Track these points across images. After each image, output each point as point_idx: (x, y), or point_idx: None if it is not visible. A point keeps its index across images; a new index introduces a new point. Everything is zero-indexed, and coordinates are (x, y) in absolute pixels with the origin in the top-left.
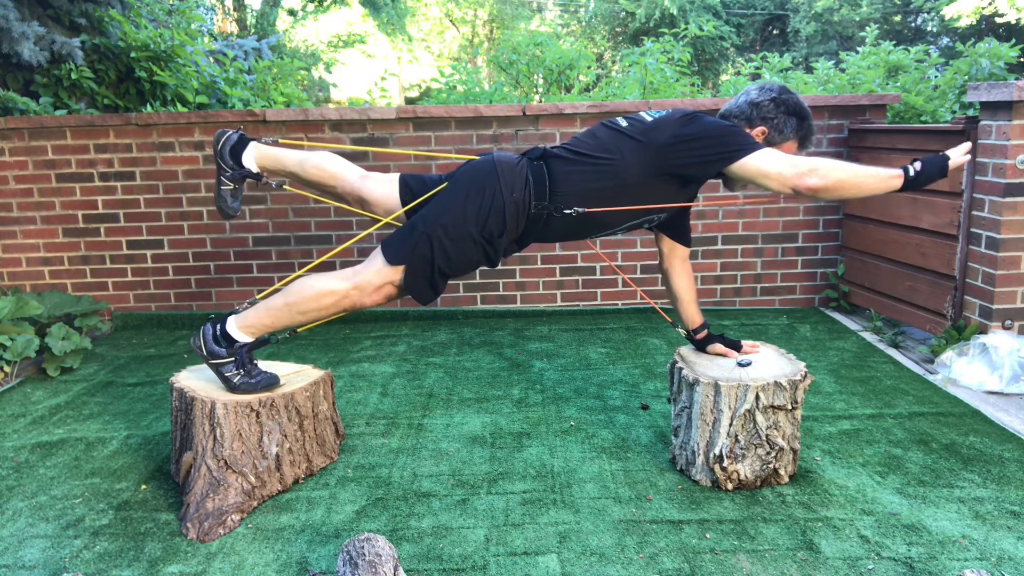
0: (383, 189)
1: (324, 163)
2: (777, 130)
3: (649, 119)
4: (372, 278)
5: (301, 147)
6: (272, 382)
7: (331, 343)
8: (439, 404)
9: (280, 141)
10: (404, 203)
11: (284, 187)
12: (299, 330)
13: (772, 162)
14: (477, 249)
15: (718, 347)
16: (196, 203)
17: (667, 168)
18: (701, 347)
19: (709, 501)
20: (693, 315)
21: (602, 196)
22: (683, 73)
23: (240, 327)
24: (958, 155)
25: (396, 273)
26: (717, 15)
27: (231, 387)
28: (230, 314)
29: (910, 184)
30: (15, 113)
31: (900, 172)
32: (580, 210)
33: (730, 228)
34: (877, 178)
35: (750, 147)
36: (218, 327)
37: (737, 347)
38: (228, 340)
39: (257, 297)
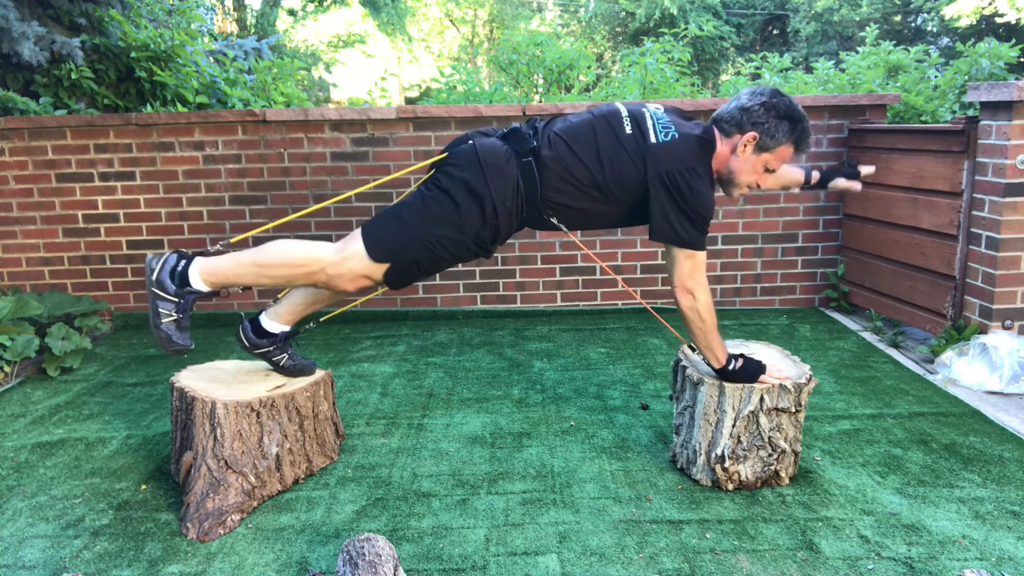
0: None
1: (281, 255)
2: (768, 135)
3: (652, 139)
4: (354, 266)
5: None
6: (184, 347)
7: (331, 343)
8: (439, 404)
9: (231, 242)
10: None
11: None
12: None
13: (687, 264)
14: (469, 254)
15: None
16: (196, 203)
17: (643, 194)
18: None
19: (709, 501)
20: None
21: (589, 212)
22: (683, 73)
23: (201, 271)
24: (769, 378)
25: (379, 270)
26: (717, 15)
27: (155, 323)
28: (199, 254)
29: (721, 372)
30: (15, 113)
31: (728, 358)
32: (565, 229)
33: (730, 228)
34: (715, 343)
35: (696, 244)
36: (181, 263)
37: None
38: (183, 281)
39: (231, 241)
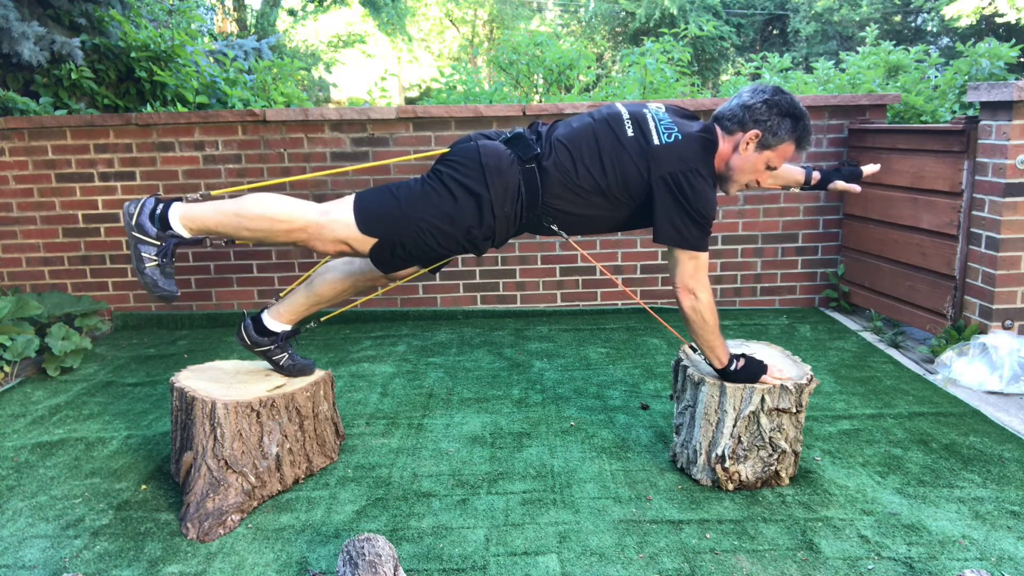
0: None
1: (264, 209)
2: (771, 132)
3: (655, 140)
4: (338, 230)
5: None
6: (170, 293)
7: (331, 343)
8: (439, 404)
9: (212, 193)
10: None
11: (235, 243)
12: (237, 241)
13: (690, 265)
14: (459, 248)
15: None
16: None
17: (646, 196)
18: None
19: (709, 501)
20: None
21: (591, 218)
22: (683, 73)
23: (182, 217)
24: (770, 378)
25: (363, 242)
26: (717, 15)
27: (138, 268)
28: (177, 200)
29: (722, 372)
30: (15, 113)
31: (730, 358)
32: (565, 236)
33: (730, 228)
34: (717, 343)
35: (698, 246)
36: (160, 207)
37: None
38: (163, 223)
39: (211, 192)
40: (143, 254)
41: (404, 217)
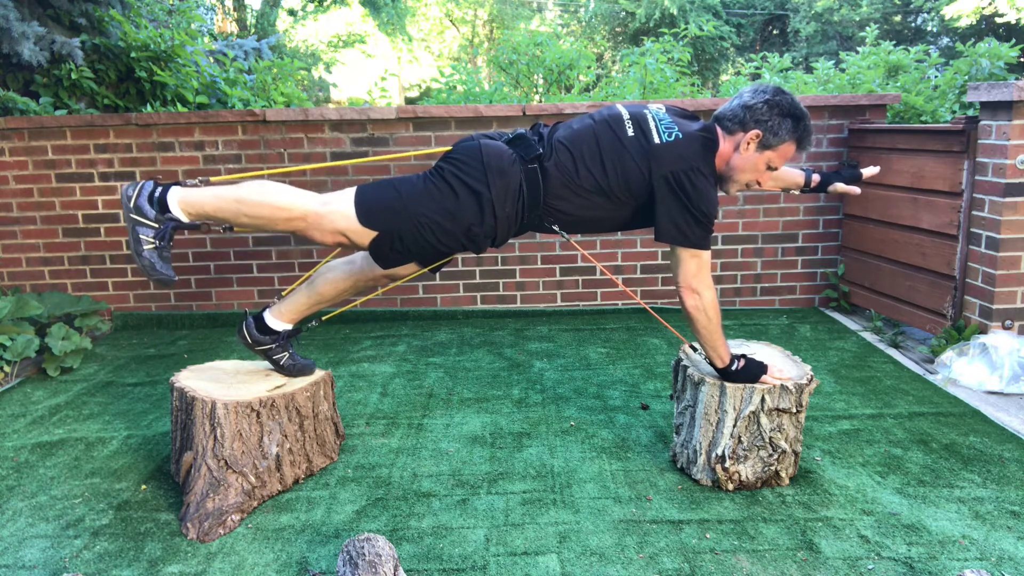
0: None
1: (264, 196)
2: (772, 132)
3: (656, 139)
4: (337, 221)
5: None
6: (168, 277)
7: (331, 343)
8: (439, 404)
9: (211, 180)
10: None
11: (234, 231)
12: (235, 228)
13: (692, 263)
14: (458, 246)
15: None
16: None
17: (648, 195)
18: None
19: (709, 501)
20: None
21: (592, 219)
22: (683, 73)
23: (180, 201)
24: (771, 378)
25: (362, 234)
26: (717, 15)
27: (136, 251)
28: (175, 184)
29: (723, 372)
30: (15, 113)
31: (731, 357)
32: (566, 236)
33: (730, 228)
34: (720, 342)
35: (701, 244)
36: (158, 190)
37: None
38: (162, 207)
39: (210, 180)
40: (141, 236)
41: (405, 211)
